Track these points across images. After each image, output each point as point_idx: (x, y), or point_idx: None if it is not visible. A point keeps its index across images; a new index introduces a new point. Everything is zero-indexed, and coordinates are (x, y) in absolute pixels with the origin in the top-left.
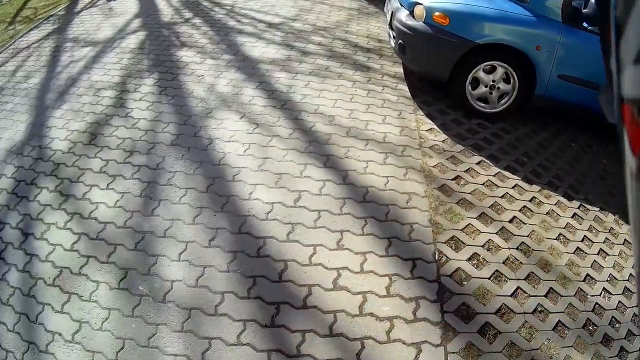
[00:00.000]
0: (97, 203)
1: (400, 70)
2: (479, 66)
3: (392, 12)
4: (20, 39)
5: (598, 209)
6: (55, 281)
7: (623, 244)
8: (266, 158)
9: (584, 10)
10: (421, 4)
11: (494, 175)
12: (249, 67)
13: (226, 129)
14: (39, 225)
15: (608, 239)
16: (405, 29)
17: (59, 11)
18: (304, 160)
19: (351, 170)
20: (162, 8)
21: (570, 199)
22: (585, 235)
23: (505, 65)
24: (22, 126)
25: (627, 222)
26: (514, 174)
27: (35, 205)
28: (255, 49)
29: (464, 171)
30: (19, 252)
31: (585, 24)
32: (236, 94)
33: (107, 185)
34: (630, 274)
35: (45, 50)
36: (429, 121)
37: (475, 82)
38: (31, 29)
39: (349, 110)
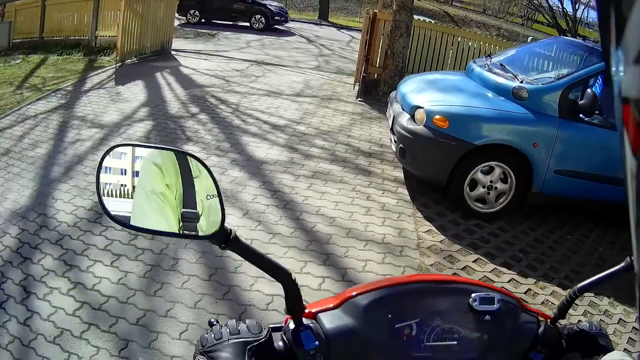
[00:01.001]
0: (100, 277)
1: (400, 174)
2: (477, 167)
3: (394, 116)
4: (27, 106)
5: (593, 294)
6: (55, 340)
7: (618, 323)
8: (267, 254)
9: (580, 102)
10: (422, 108)
11: (490, 271)
12: (253, 167)
13: (229, 224)
14: (42, 287)
15: (603, 320)
16: (406, 133)
17: (67, 86)
18: (304, 258)
19: (350, 268)
20: (169, 100)
21: (565, 288)
22: (579, 320)
23: (503, 165)
24: (27, 192)
25: (621, 302)
26: (509, 269)
27: (39, 269)
28: (260, 149)
29: (461, 269)
30: (21, 307)
31: (582, 116)
32: (239, 191)
33: (111, 262)
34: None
35: (53, 122)
36: (428, 223)
37: (473, 183)
38: (39, 99)
39: (350, 212)
